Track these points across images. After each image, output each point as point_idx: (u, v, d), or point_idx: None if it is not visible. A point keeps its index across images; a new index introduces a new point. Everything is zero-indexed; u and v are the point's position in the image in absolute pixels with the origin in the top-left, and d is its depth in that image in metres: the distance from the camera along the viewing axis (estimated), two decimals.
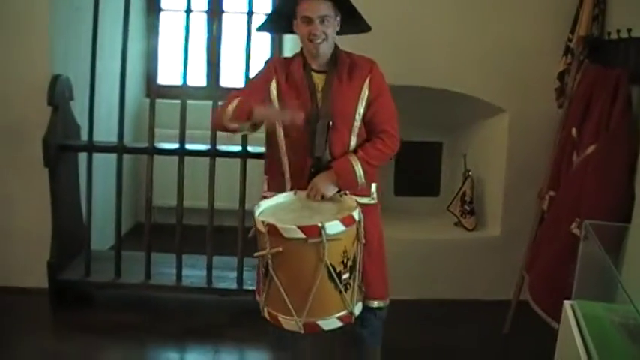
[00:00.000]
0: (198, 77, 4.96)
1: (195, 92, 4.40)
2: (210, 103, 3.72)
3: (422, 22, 3.76)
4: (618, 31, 3.00)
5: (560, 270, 2.97)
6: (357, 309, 2.52)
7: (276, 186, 2.72)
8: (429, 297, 4.04)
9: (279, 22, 2.72)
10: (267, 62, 2.75)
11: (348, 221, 2.36)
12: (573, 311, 2.38)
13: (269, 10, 4.70)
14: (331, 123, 2.59)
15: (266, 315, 2.49)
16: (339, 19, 2.61)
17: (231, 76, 4.68)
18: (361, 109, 2.64)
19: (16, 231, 3.90)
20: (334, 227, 2.31)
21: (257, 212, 2.46)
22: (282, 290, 2.35)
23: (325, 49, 2.59)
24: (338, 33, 2.63)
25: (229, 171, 3.92)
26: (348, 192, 2.63)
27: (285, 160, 2.67)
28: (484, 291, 4.04)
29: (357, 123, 2.65)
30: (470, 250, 4.10)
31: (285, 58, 2.78)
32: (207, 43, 4.83)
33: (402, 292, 3.27)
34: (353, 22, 2.66)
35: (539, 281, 3.22)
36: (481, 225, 4.24)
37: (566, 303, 2.45)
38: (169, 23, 4.88)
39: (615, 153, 2.77)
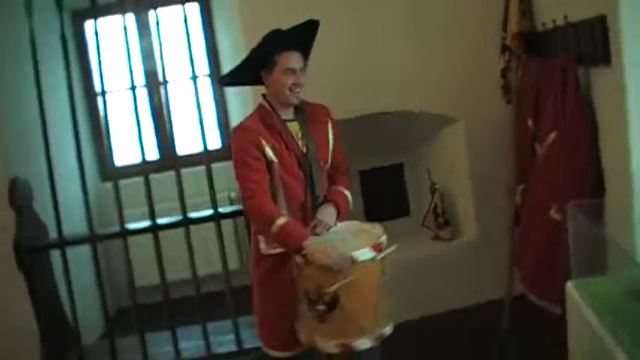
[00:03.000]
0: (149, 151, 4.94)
1: (152, 167, 4.42)
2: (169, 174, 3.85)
3: (366, 54, 3.88)
4: (554, 21, 3.19)
5: (549, 256, 3.13)
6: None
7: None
8: (424, 314, 4.13)
9: (245, 74, 2.82)
10: (238, 132, 2.76)
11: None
12: (577, 290, 2.49)
13: (208, 71, 4.83)
14: (323, 164, 2.85)
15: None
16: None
17: (184, 143, 4.73)
18: (330, 149, 2.87)
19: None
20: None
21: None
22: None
23: (299, 98, 2.78)
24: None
25: (199, 237, 4.00)
26: (337, 223, 2.84)
27: (283, 208, 2.74)
28: (475, 295, 4.15)
29: (329, 162, 2.88)
30: (452, 260, 4.22)
31: (251, 119, 2.80)
32: (152, 117, 4.83)
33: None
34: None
35: (531, 272, 3.34)
36: (457, 233, 4.37)
37: (569, 284, 2.55)
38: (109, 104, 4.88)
39: (577, 135, 2.92)
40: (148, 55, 4.46)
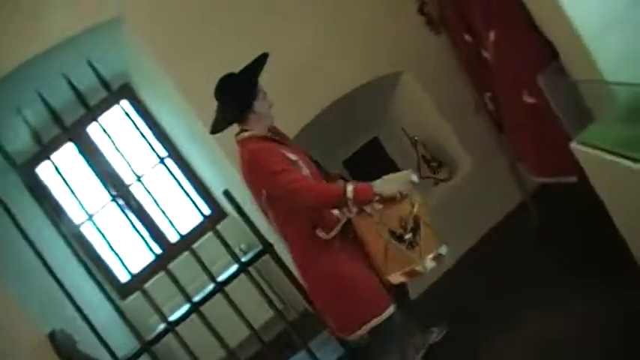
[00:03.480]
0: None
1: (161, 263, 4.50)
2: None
3: (294, 57, 4.03)
4: None
5: (541, 136, 3.30)
6: (428, 265, 3.02)
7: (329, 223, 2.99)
8: (461, 254, 4.31)
9: (232, 112, 3.03)
10: (262, 152, 2.94)
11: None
12: (582, 145, 2.66)
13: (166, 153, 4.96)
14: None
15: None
16: (248, 112, 3.03)
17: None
18: None
19: None
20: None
21: None
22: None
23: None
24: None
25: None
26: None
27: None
28: (495, 214, 4.34)
29: None
30: (462, 195, 4.34)
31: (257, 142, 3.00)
32: (138, 219, 4.91)
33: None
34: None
35: (534, 158, 3.51)
36: (455, 169, 4.52)
37: (573, 144, 2.72)
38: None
39: (512, 21, 3.12)
40: (105, 166, 4.59)
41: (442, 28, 3.87)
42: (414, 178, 2.95)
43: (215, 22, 3.99)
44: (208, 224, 4.10)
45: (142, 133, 3.97)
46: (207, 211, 5.12)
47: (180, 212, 4.82)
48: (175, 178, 3.99)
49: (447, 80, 4.11)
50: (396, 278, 2.99)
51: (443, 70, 4.09)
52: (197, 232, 5.00)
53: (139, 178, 4.03)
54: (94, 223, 3.99)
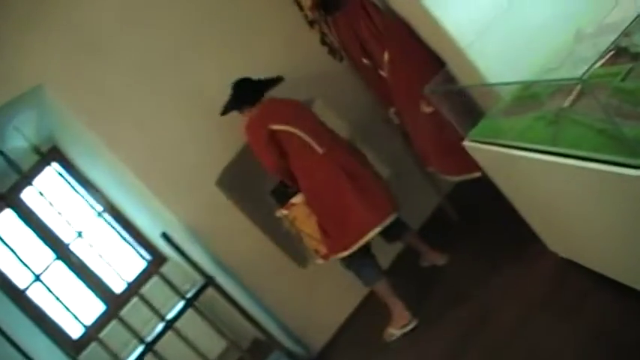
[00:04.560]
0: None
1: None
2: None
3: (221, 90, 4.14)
4: None
5: (442, 141, 3.62)
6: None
7: None
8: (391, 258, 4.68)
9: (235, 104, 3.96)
10: None
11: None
12: (474, 141, 2.99)
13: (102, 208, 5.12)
14: None
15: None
16: (245, 107, 3.93)
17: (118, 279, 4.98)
18: None
19: None
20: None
21: None
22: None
23: None
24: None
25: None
26: None
27: None
28: (420, 218, 4.67)
29: None
30: None
31: None
32: (79, 277, 5.04)
33: None
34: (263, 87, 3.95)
35: (440, 160, 3.84)
36: None
37: (466, 142, 3.05)
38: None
39: (400, 40, 3.49)
40: (43, 228, 4.75)
41: (344, 55, 4.18)
42: None
43: (131, 80, 4.25)
44: (153, 268, 4.29)
45: (76, 191, 4.16)
46: (148, 257, 5.28)
47: (118, 266, 4.99)
48: (115, 229, 4.18)
49: (355, 101, 4.44)
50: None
51: (350, 92, 4.43)
52: (140, 280, 5.16)
53: (79, 234, 4.22)
54: (43, 283, 4.14)
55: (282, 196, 3.93)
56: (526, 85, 2.85)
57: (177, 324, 4.16)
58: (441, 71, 3.30)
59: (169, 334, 4.14)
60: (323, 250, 3.81)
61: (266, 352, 4.68)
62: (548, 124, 2.50)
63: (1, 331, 3.90)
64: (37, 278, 4.19)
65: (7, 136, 4.11)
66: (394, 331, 3.84)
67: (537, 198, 2.76)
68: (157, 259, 5.27)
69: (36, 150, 4.05)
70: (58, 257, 4.81)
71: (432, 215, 4.65)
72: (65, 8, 4.10)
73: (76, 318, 4.13)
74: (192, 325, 4.45)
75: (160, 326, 4.12)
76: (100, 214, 4.79)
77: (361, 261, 3.82)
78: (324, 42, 4.36)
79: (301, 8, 4.30)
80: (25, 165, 4.81)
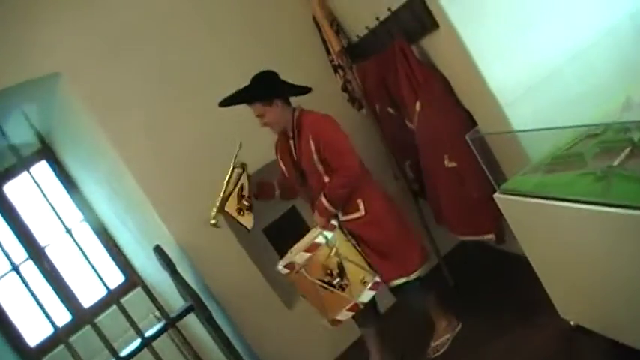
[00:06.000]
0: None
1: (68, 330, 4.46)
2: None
3: (238, 122, 4.13)
4: (367, 27, 3.96)
5: (462, 198, 3.70)
6: (364, 297, 3.47)
7: None
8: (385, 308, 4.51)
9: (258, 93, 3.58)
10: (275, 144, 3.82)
11: (310, 249, 3.41)
12: (506, 193, 3.07)
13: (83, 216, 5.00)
14: (301, 177, 3.64)
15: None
16: (277, 101, 3.55)
17: (88, 291, 4.82)
18: (316, 158, 3.52)
19: None
20: (300, 257, 3.41)
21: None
22: (310, 302, 3.56)
23: (276, 129, 3.64)
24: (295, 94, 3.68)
25: None
26: (339, 215, 3.60)
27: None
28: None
29: (321, 167, 3.53)
30: None
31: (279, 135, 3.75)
32: (49, 283, 4.85)
33: None
34: (294, 91, 3.67)
35: (457, 219, 3.91)
36: None
37: (496, 196, 3.12)
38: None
39: (437, 92, 3.60)
40: (20, 228, 4.58)
41: (364, 103, 4.27)
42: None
43: (148, 85, 4.25)
44: (112, 297, 4.10)
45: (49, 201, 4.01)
46: (121, 278, 5.12)
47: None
48: (80, 248, 4.00)
49: (367, 151, 4.48)
50: (343, 315, 3.39)
51: (362, 141, 4.48)
52: (107, 300, 4.98)
53: (41, 250, 4.07)
54: None
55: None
56: (566, 146, 2.96)
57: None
58: (472, 130, 3.40)
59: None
60: (373, 279, 3.54)
61: None
62: (596, 180, 2.60)
63: None
64: None
65: (9, 120, 3.99)
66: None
67: (567, 254, 2.82)
68: (130, 283, 5.10)
69: (40, 138, 3.93)
70: (31, 258, 4.62)
71: (428, 275, 4.62)
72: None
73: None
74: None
75: (136, 344, 3.91)
76: (69, 231, 4.63)
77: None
78: (345, 89, 4.46)
79: (329, 52, 4.42)
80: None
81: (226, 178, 3.56)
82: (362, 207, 3.56)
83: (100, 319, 4.74)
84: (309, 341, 4.35)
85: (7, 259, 3.84)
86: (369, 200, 3.59)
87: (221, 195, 3.53)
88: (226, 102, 3.59)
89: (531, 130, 3.01)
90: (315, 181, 3.58)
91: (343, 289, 3.37)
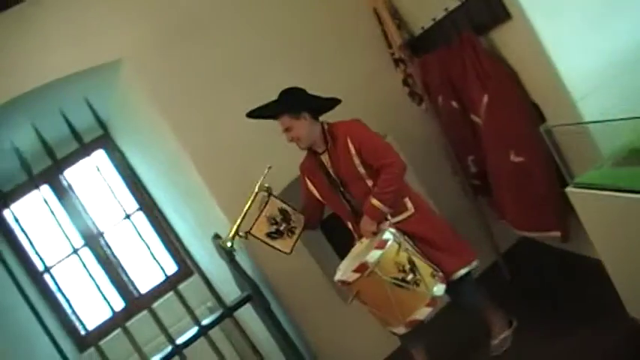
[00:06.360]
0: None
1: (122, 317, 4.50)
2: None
3: None
4: (433, 19, 3.92)
5: (528, 193, 3.66)
6: (438, 291, 3.37)
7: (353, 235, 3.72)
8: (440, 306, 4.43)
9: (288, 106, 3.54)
10: (300, 167, 3.77)
11: (380, 245, 3.28)
12: (579, 187, 3.01)
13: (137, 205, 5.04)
14: (341, 188, 3.56)
15: (392, 330, 3.48)
16: (306, 114, 3.49)
17: (144, 279, 4.86)
18: (357, 161, 3.45)
19: None
20: (373, 255, 3.24)
21: (335, 277, 3.44)
22: (378, 313, 3.40)
23: (303, 144, 3.58)
24: (321, 114, 3.64)
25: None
26: (389, 216, 3.48)
27: (343, 219, 3.71)
28: None
29: (363, 170, 3.48)
30: None
31: (306, 155, 3.72)
32: (104, 270, 4.90)
33: None
34: (322, 104, 3.60)
35: (522, 214, 3.86)
36: None
37: (569, 190, 3.07)
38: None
39: (506, 86, 3.54)
40: (76, 215, 4.61)
41: (425, 97, 4.24)
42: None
43: (213, 76, 4.28)
44: (169, 284, 4.14)
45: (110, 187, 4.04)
46: (174, 268, 5.15)
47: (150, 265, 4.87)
48: (139, 234, 4.02)
49: (424, 145, 4.48)
50: (422, 313, 3.31)
51: (420, 135, 4.48)
52: (161, 289, 5.03)
53: (100, 234, 4.09)
54: (52, 276, 3.96)
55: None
56: None
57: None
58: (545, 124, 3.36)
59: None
60: (438, 273, 3.46)
61: None
62: None
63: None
64: (47, 270, 3.99)
65: (70, 108, 4.02)
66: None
67: None
68: (183, 272, 5.13)
69: (102, 126, 3.94)
70: (86, 245, 4.67)
71: (485, 273, 4.58)
72: None
73: (79, 319, 3.91)
74: (205, 346, 4.27)
75: (193, 331, 3.92)
76: (129, 217, 4.68)
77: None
78: (406, 83, 4.44)
79: (390, 46, 4.39)
80: (66, 150, 4.78)
81: (248, 203, 3.55)
82: (410, 205, 3.56)
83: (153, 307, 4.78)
84: (365, 336, 4.31)
85: (68, 243, 3.95)
86: (414, 198, 3.60)
87: (239, 220, 3.51)
88: (254, 113, 3.59)
89: (610, 120, 2.94)
90: (358, 189, 3.53)
91: (418, 285, 3.28)
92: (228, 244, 3.49)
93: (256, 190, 3.56)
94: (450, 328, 4.11)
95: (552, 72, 3.22)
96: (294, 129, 3.53)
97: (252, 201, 3.57)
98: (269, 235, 3.61)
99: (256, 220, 3.57)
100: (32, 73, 3.95)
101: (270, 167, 3.55)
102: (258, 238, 3.58)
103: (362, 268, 3.24)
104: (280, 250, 3.64)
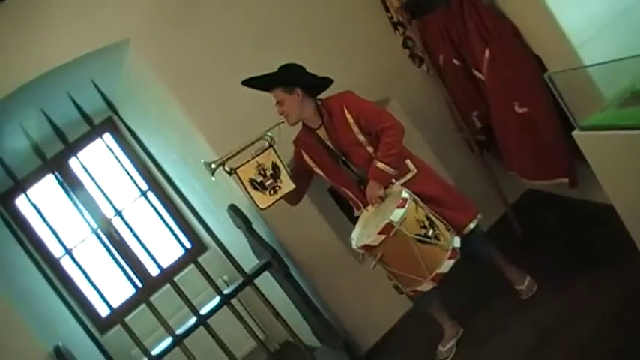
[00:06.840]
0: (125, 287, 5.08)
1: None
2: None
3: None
4: None
5: (534, 142, 3.76)
6: (456, 242, 3.48)
7: (355, 205, 3.79)
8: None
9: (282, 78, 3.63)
10: (294, 142, 3.79)
11: (401, 204, 3.33)
12: (586, 129, 3.09)
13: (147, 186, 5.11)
14: (342, 159, 3.62)
15: (409, 292, 3.57)
16: (298, 90, 3.55)
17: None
18: (357, 129, 3.53)
19: None
20: (397, 214, 3.28)
21: (353, 244, 3.46)
22: (404, 273, 3.44)
23: (292, 119, 3.63)
24: (315, 93, 3.67)
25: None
26: (393, 180, 3.51)
27: (345, 191, 3.72)
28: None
29: (363, 138, 3.54)
30: None
31: (300, 131, 3.76)
32: (119, 253, 4.94)
33: None
34: (316, 82, 3.63)
35: (529, 163, 3.98)
36: None
37: (576, 134, 3.15)
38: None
39: (507, 39, 3.62)
40: (87, 199, 4.68)
41: (426, 58, 4.32)
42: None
43: (220, 55, 4.34)
44: (189, 257, 4.25)
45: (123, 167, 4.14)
46: (188, 245, 5.25)
47: (162, 245, 4.97)
48: (156, 211, 4.16)
49: (428, 106, 4.56)
50: (446, 265, 3.40)
51: (423, 96, 4.56)
52: (178, 265, 5.12)
53: (118, 213, 4.18)
54: (73, 258, 4.04)
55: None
56: None
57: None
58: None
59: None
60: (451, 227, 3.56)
61: (295, 355, 4.64)
62: None
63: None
64: (68, 252, 4.09)
65: (78, 90, 4.07)
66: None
67: None
68: (197, 248, 5.23)
69: (112, 108, 4.01)
70: (96, 231, 4.72)
71: (494, 226, 4.69)
72: None
73: (103, 297, 4.00)
74: (223, 318, 4.36)
75: (192, 320, 4.00)
76: (144, 194, 4.78)
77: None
78: (405, 45, 4.51)
79: (387, 9, 4.46)
80: (77, 134, 4.84)
81: (247, 143, 3.57)
82: (412, 166, 3.66)
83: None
84: (382, 297, 4.40)
85: (87, 224, 4.03)
86: (414, 159, 3.70)
87: (230, 154, 3.51)
88: (249, 82, 3.62)
89: (612, 61, 3.01)
90: (359, 157, 3.60)
91: (438, 239, 3.38)
92: (212, 166, 3.44)
93: (260, 135, 3.59)
94: (462, 283, 4.19)
95: (550, 20, 3.28)
96: (285, 103, 3.59)
97: (252, 142, 3.59)
98: (252, 182, 3.52)
99: (247, 162, 3.52)
100: (39, 58, 4.00)
101: (282, 122, 3.60)
102: (241, 181, 3.51)
103: (387, 228, 3.27)
104: (255, 203, 3.57)
